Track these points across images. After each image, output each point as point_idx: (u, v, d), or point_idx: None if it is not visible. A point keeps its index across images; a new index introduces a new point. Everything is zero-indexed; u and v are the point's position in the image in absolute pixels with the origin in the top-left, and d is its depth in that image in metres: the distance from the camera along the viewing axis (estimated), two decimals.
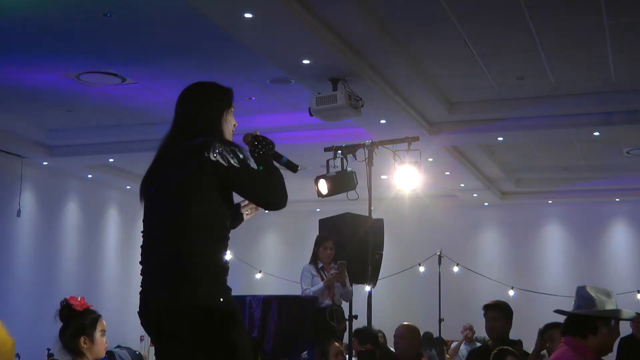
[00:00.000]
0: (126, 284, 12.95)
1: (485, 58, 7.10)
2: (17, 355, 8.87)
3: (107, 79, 7.82)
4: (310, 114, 7.00)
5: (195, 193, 2.84)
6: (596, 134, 8.90)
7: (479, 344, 10.07)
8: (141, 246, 2.98)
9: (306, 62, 6.54)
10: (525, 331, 5.94)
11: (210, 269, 2.83)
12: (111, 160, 10.96)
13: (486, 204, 13.72)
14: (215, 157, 2.79)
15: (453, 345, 10.79)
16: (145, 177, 3.04)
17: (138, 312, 2.92)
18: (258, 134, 3.09)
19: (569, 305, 4.11)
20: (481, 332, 10.34)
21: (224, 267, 2.90)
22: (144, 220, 3.03)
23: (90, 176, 11.79)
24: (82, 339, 3.75)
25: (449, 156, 10.10)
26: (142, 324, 2.93)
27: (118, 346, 11.98)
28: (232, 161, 2.83)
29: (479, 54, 6.96)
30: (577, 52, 6.96)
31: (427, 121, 8.82)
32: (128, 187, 12.71)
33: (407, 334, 5.79)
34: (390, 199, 10.13)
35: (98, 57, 7.19)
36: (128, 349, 12.08)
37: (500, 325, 5.17)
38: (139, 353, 12.35)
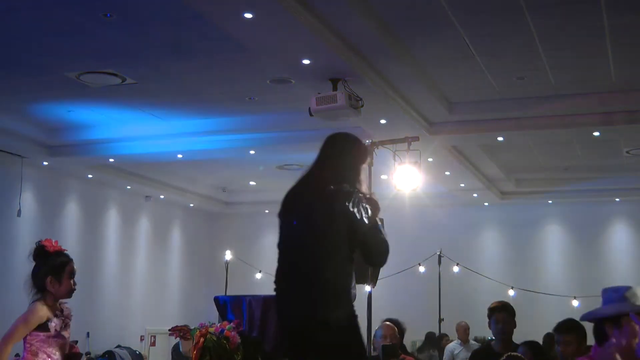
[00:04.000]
0: (126, 284, 12.95)
1: (485, 58, 7.10)
2: (17, 355, 8.87)
3: (107, 79, 7.82)
4: (310, 114, 7.00)
5: (335, 231, 3.31)
6: (596, 134, 8.90)
7: (475, 344, 10.03)
8: (280, 268, 3.57)
9: (306, 62, 6.54)
10: (525, 331, 5.94)
11: (343, 295, 3.31)
12: (111, 160, 10.97)
13: (486, 204, 13.72)
14: (353, 208, 3.27)
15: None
16: (286, 203, 3.60)
17: (280, 324, 3.53)
18: (371, 195, 3.55)
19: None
20: (480, 332, 10.35)
21: (354, 295, 3.37)
22: (283, 243, 3.66)
23: (90, 176, 11.79)
24: (49, 279, 4.02)
25: (449, 156, 10.10)
26: (283, 334, 3.55)
27: (118, 346, 11.97)
28: (364, 216, 3.30)
29: (479, 54, 6.96)
30: (577, 52, 6.96)
31: (427, 121, 8.82)
32: (128, 187, 12.71)
33: (389, 334, 5.87)
34: (390, 199, 10.11)
35: (98, 57, 7.20)
36: (128, 348, 12.07)
37: (509, 327, 5.17)
38: (139, 353, 12.35)
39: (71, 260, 4.16)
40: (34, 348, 3.94)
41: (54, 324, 3.97)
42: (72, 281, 4.11)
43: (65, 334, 4.04)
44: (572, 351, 4.70)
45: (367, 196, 3.48)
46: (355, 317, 3.33)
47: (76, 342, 4.25)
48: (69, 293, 4.11)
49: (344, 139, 3.62)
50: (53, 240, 4.18)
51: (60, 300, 4.13)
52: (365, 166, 3.64)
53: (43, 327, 3.96)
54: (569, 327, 4.78)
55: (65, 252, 4.19)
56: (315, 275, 3.29)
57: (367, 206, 3.35)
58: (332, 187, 3.34)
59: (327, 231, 3.31)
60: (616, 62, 7.14)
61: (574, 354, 4.61)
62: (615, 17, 6.11)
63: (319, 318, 3.26)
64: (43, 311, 3.97)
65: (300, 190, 3.54)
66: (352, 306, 3.33)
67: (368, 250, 3.38)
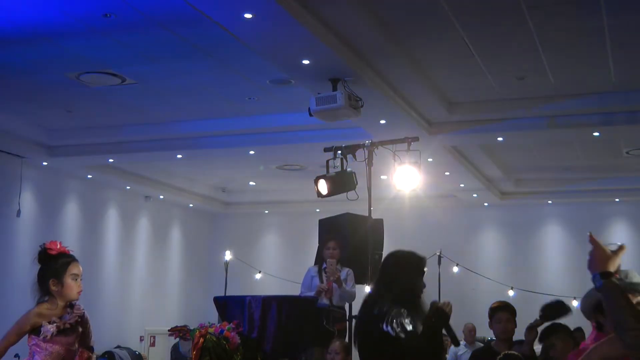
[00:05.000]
0: (126, 285, 12.95)
1: (485, 58, 7.09)
2: (17, 356, 8.88)
3: (107, 79, 7.82)
4: (310, 114, 6.99)
5: (374, 347, 3.74)
6: (596, 134, 8.89)
7: (481, 344, 10.02)
8: None
9: (306, 62, 6.54)
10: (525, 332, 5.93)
11: None
12: (111, 160, 10.96)
13: (486, 204, 13.71)
14: (387, 328, 3.61)
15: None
16: (360, 311, 3.97)
17: None
18: (439, 306, 3.87)
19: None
20: (479, 332, 10.35)
21: None
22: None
23: (90, 176, 11.79)
24: (51, 282, 3.99)
25: (449, 156, 10.10)
26: None
27: (118, 346, 11.98)
28: (399, 333, 3.60)
29: (479, 54, 6.96)
30: (577, 52, 6.96)
31: (427, 121, 8.82)
32: (128, 187, 12.71)
33: None
34: (390, 199, 10.12)
35: (98, 57, 7.20)
36: (128, 349, 12.08)
37: (511, 326, 5.18)
38: (139, 353, 12.35)
39: (74, 261, 4.10)
40: (31, 351, 3.95)
41: (46, 328, 3.93)
42: (76, 282, 4.05)
43: (62, 339, 3.97)
44: (560, 350, 4.75)
45: (435, 306, 3.86)
46: None
47: (91, 348, 4.18)
48: (74, 295, 4.06)
49: (393, 255, 4.09)
50: (58, 242, 4.13)
51: (76, 304, 4.09)
52: (421, 278, 3.98)
53: (37, 331, 3.94)
54: (551, 331, 4.84)
55: (70, 253, 4.13)
56: None
57: (406, 320, 3.66)
58: (375, 310, 3.73)
59: (367, 349, 3.77)
60: (616, 62, 7.14)
61: (562, 353, 4.67)
62: (615, 17, 6.10)
63: None
64: (36, 315, 3.95)
65: (362, 309, 3.98)
66: None
67: None
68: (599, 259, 2.46)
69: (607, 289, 2.40)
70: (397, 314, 3.65)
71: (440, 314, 3.85)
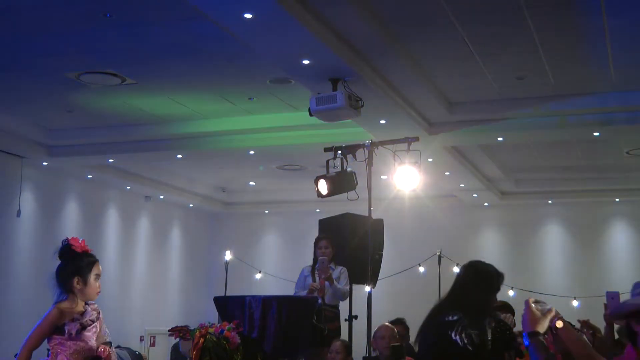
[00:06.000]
0: (126, 285, 12.95)
1: (485, 58, 7.09)
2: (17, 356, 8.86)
3: (107, 79, 7.82)
4: (310, 114, 6.99)
5: (439, 353, 3.75)
6: (596, 134, 8.90)
7: None
8: None
9: (306, 62, 6.54)
10: None
11: None
12: (111, 160, 10.96)
13: (486, 204, 13.71)
14: (456, 337, 3.62)
15: None
16: (428, 315, 3.96)
17: None
18: (501, 317, 4.07)
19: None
20: None
21: None
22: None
23: (90, 176, 11.78)
24: (75, 280, 3.95)
25: (449, 156, 10.09)
26: None
27: (118, 346, 11.97)
28: (467, 345, 3.61)
29: (479, 54, 6.96)
30: (577, 52, 6.96)
31: (427, 121, 8.82)
32: (128, 187, 12.70)
33: (388, 334, 5.85)
34: (390, 199, 10.12)
35: (98, 57, 7.20)
36: (128, 349, 12.08)
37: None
38: (139, 353, 12.35)
39: (97, 260, 4.08)
40: (54, 351, 3.90)
41: (71, 326, 3.89)
42: (97, 283, 4.03)
43: (86, 335, 3.95)
44: None
45: (500, 321, 3.93)
46: None
47: (110, 343, 4.16)
48: (94, 295, 4.04)
49: (473, 267, 4.01)
50: (79, 239, 4.09)
51: (89, 302, 4.06)
52: (495, 295, 3.98)
53: (60, 330, 3.89)
54: None
55: (92, 252, 4.11)
56: None
57: (475, 333, 3.68)
58: (446, 317, 3.74)
59: (432, 353, 3.80)
60: (616, 62, 7.14)
61: None
62: (615, 17, 6.11)
63: None
64: (59, 314, 3.90)
65: (430, 314, 3.98)
66: None
67: None
68: (529, 321, 2.99)
69: (533, 347, 2.94)
70: (467, 326, 3.69)
71: (504, 328, 3.93)
